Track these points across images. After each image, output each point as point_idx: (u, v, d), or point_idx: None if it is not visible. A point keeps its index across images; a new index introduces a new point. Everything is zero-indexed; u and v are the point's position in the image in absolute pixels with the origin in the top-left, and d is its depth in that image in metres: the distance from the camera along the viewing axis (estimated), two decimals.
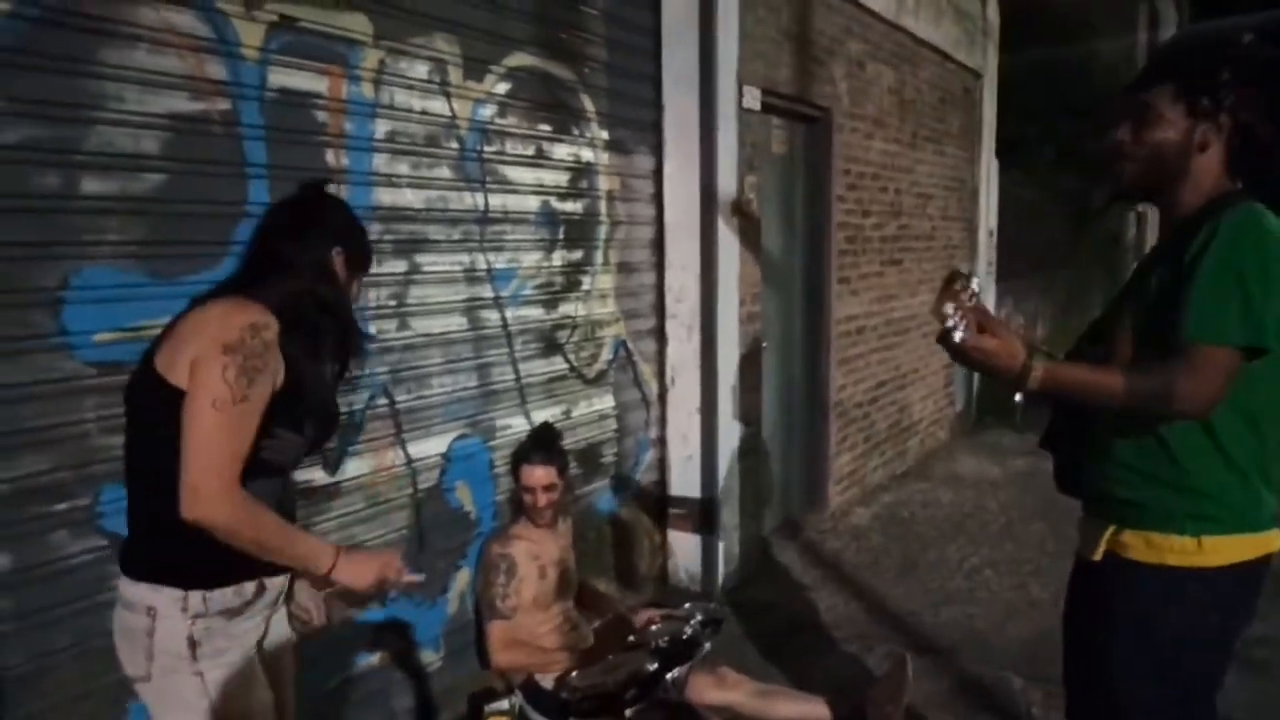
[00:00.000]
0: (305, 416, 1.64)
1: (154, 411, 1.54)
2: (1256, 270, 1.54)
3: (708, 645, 3.01)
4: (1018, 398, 1.65)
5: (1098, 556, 1.76)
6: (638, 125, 3.87)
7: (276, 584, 1.70)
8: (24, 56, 1.91)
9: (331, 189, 1.88)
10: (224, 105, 2.31)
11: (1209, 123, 1.64)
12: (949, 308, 1.55)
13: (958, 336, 1.56)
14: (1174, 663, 1.69)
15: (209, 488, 1.48)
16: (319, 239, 1.72)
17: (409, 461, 2.92)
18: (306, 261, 1.68)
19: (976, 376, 7.73)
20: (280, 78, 2.45)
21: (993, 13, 7.63)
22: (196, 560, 1.55)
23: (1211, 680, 1.73)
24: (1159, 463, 1.68)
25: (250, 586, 1.64)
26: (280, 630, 1.76)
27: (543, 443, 2.83)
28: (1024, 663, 3.45)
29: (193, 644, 1.57)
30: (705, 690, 3.00)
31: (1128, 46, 12.37)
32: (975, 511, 5.46)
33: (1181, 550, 1.66)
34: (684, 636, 2.98)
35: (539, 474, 2.76)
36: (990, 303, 8.10)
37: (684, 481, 4.17)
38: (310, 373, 1.65)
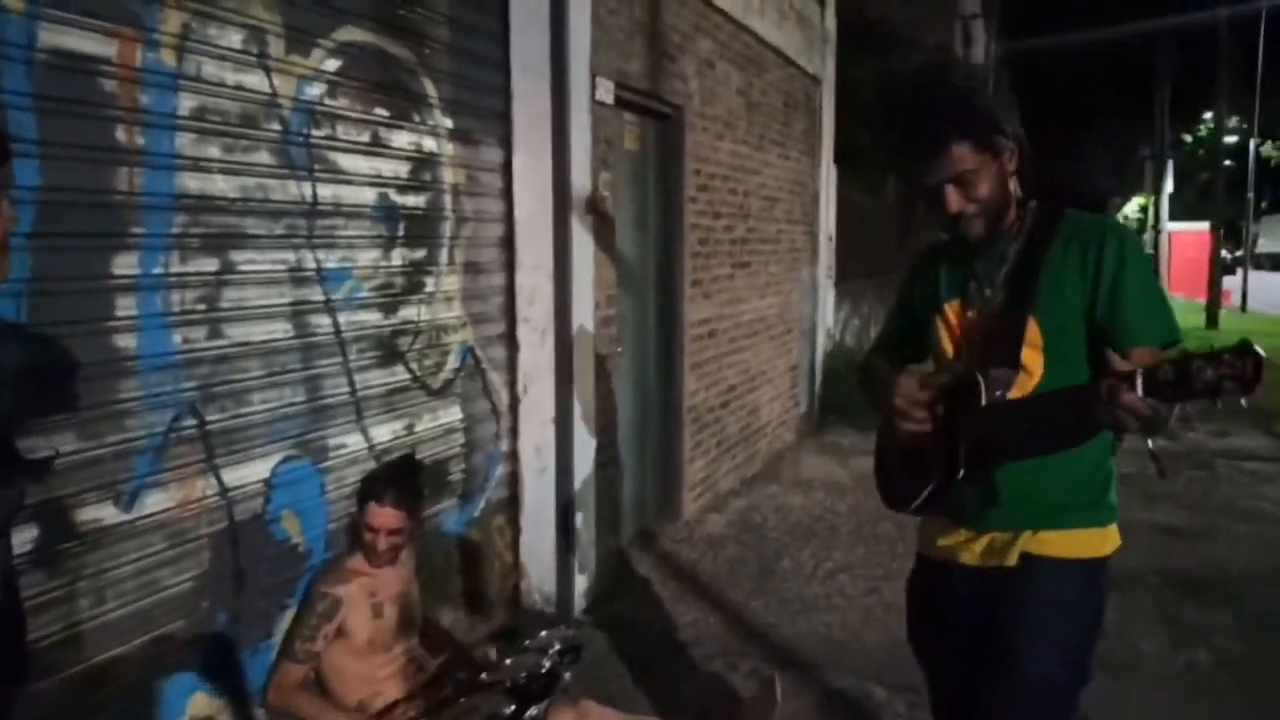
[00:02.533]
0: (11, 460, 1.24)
1: None
2: (1158, 279, 1.81)
3: (567, 676, 2.78)
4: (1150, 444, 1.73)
5: (1012, 562, 1.83)
6: (485, 114, 3.58)
7: None
8: None
9: None
10: None
11: (1006, 152, 1.78)
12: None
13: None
14: (1079, 646, 1.82)
15: None
16: None
17: (223, 490, 2.53)
18: None
19: (819, 376, 7.87)
20: (54, 37, 2.03)
21: (830, 21, 7.77)
22: None
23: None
24: (1089, 464, 1.82)
25: None
26: None
27: (397, 480, 2.53)
28: (885, 671, 3.40)
29: None
30: None
31: (948, 60, 13.10)
32: (825, 515, 5.48)
33: (1094, 542, 1.83)
34: (541, 670, 2.73)
35: (388, 517, 2.47)
36: (829, 306, 8.27)
37: (537, 497, 3.90)
38: None
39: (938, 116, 1.78)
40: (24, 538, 2.00)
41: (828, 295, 8.19)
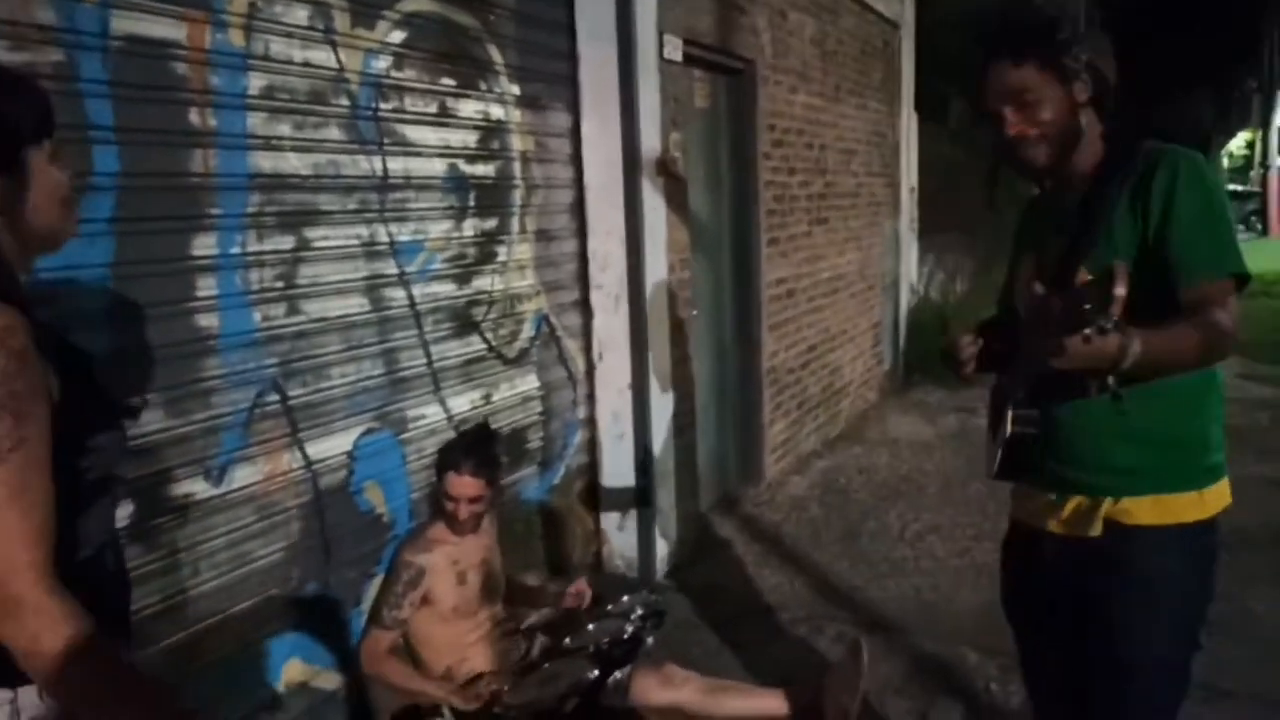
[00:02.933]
0: (107, 404, 1.24)
1: None
2: (1223, 208, 1.63)
3: (650, 640, 2.79)
4: (1110, 381, 1.49)
5: (1096, 532, 1.71)
6: (551, 79, 3.54)
7: None
8: None
9: None
10: (55, 56, 1.91)
11: (1077, 80, 1.67)
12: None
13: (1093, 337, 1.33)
14: (1187, 618, 1.72)
15: (14, 596, 1.04)
16: None
17: (308, 464, 2.58)
18: None
19: (904, 333, 7.67)
20: (127, 23, 2.06)
21: None
22: None
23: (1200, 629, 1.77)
24: (1170, 424, 1.67)
25: None
26: None
27: (475, 450, 2.54)
28: (977, 634, 3.31)
29: None
30: (651, 691, 2.78)
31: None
32: (912, 474, 5.35)
33: (1190, 506, 1.68)
34: (624, 635, 2.75)
35: (466, 485, 2.49)
36: (913, 260, 8.03)
37: (616, 462, 3.90)
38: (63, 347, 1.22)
39: (1000, 36, 1.69)
40: (121, 513, 2.07)
41: (911, 249, 7.96)
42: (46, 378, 1.13)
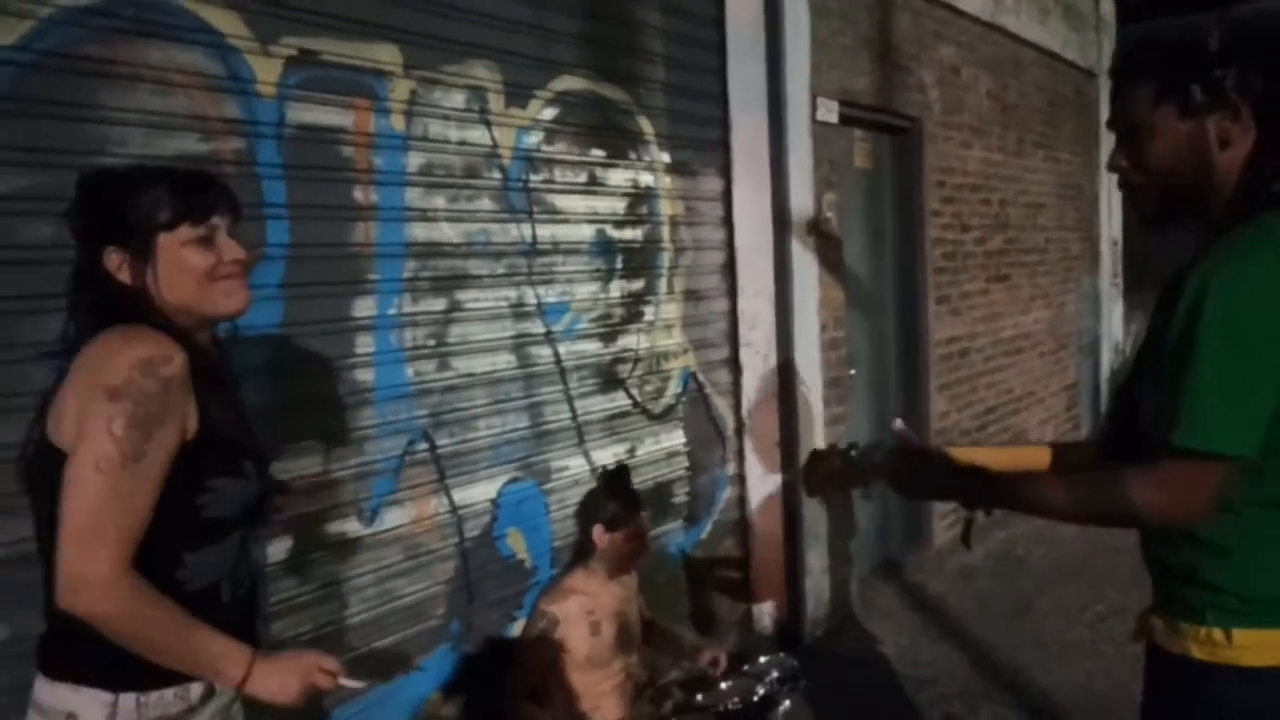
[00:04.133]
0: (239, 456, 1.41)
1: (48, 485, 1.29)
2: (1232, 350, 1.21)
3: (785, 705, 2.74)
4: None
5: (1145, 642, 1.49)
6: (702, 145, 3.66)
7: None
8: (18, 104, 1.86)
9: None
10: (238, 144, 2.23)
11: (1217, 113, 1.30)
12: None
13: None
14: None
15: (92, 575, 1.22)
16: (82, 245, 1.40)
17: (454, 509, 2.77)
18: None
19: (1105, 395, 7.13)
20: (300, 113, 2.36)
21: (1106, 5, 7.09)
22: (128, 655, 1.28)
23: None
24: (1183, 547, 1.36)
25: (196, 689, 1.36)
26: None
27: (626, 491, 2.73)
28: None
29: None
30: None
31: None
32: (1100, 551, 4.93)
33: (1207, 642, 1.33)
34: (755, 697, 2.72)
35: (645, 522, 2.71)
36: (1116, 318, 7.48)
37: (767, 520, 3.88)
38: (219, 400, 1.40)
39: (1123, 55, 1.40)
40: (281, 547, 2.32)
41: (1114, 306, 7.43)
42: (186, 412, 1.32)
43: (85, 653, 1.30)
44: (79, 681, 1.31)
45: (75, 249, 1.40)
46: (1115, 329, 7.47)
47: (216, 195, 1.43)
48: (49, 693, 1.33)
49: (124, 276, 1.36)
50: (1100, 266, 7.13)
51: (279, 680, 1.36)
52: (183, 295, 1.38)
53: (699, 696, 2.78)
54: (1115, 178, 1.45)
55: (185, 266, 1.37)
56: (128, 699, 1.31)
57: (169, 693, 1.34)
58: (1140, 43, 1.38)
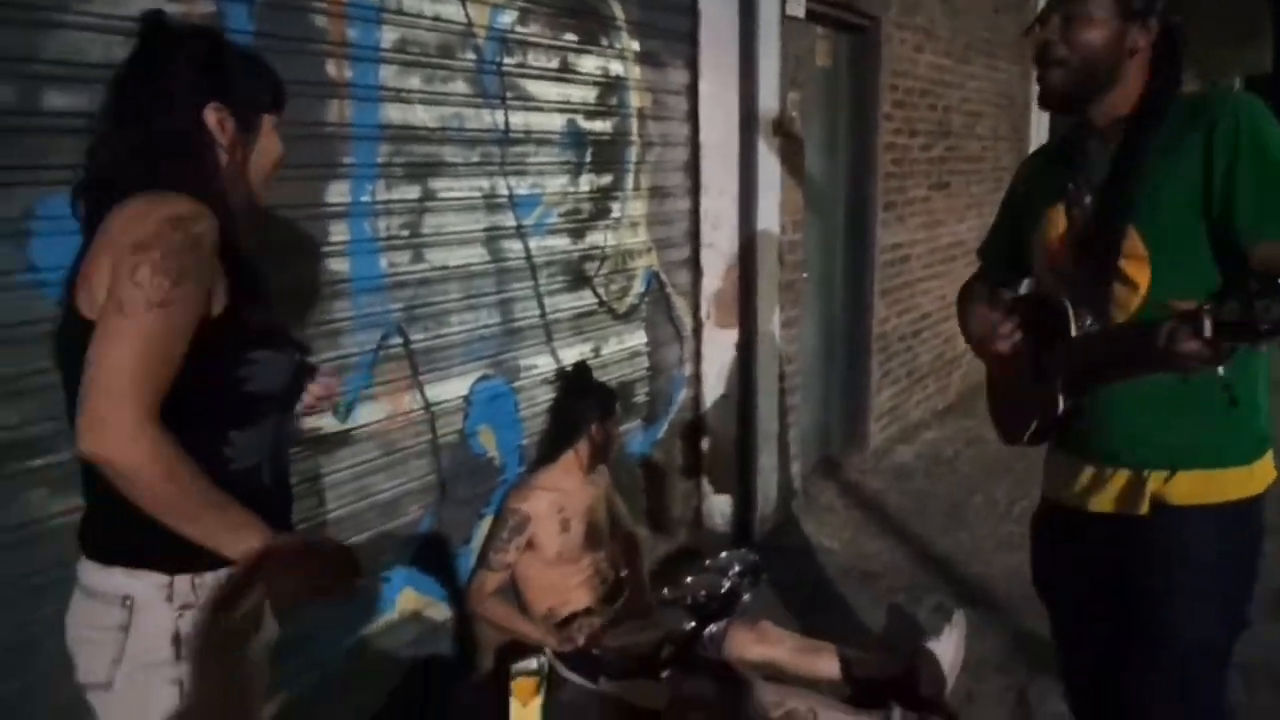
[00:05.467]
0: (275, 330, 1.36)
1: (78, 358, 1.21)
2: None
3: (747, 597, 2.83)
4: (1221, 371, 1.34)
5: (1143, 510, 1.63)
6: (671, 35, 3.53)
7: None
8: None
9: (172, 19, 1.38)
10: (206, 7, 2.03)
11: (1139, 25, 1.55)
12: None
13: None
14: (1237, 596, 1.65)
15: (115, 419, 1.14)
16: (180, 96, 1.31)
17: (427, 405, 2.70)
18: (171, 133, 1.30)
19: None
20: None
21: None
22: (181, 538, 1.23)
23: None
24: (1216, 399, 1.47)
25: None
26: (272, 626, 1.46)
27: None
28: None
29: (177, 642, 1.26)
30: (745, 646, 2.84)
31: None
32: (1024, 450, 5.19)
33: (1239, 481, 1.61)
34: (721, 590, 2.79)
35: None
36: None
37: (720, 421, 3.93)
38: (250, 280, 1.34)
39: None
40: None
41: None
42: (215, 277, 1.25)
43: (139, 535, 1.24)
44: (134, 565, 1.27)
45: (156, 100, 1.30)
46: None
47: (283, 84, 1.45)
48: (102, 577, 1.29)
49: (223, 138, 1.33)
50: None
51: (297, 554, 1.34)
52: (258, 178, 1.41)
53: (665, 591, 2.85)
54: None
55: (270, 151, 1.40)
56: (183, 580, 1.28)
57: (223, 573, 1.31)
58: None
